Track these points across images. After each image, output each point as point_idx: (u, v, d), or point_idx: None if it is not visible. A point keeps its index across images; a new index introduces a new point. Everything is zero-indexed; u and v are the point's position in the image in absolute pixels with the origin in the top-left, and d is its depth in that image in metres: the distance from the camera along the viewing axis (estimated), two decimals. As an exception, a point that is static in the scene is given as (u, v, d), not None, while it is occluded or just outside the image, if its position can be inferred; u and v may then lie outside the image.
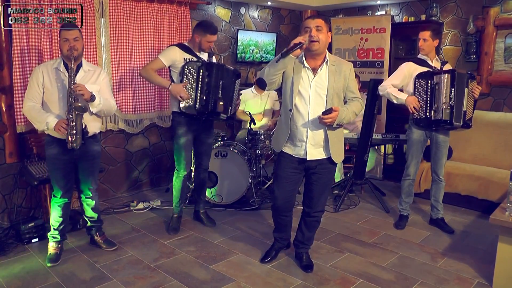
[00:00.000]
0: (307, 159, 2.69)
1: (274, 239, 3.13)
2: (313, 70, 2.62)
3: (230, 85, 3.49)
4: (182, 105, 3.39)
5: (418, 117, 3.53)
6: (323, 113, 2.53)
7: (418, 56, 3.66)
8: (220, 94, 3.40)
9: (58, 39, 2.95)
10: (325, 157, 2.71)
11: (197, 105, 3.37)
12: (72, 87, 2.85)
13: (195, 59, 3.46)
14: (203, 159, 3.78)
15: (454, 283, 2.87)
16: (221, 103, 3.40)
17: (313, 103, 2.61)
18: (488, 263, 3.07)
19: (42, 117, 2.87)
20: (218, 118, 3.57)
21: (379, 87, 3.74)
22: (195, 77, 3.37)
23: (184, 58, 3.45)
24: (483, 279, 2.92)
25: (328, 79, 2.62)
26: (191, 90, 3.39)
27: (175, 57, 3.46)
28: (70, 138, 2.87)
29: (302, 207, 3.02)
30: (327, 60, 2.63)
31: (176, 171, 3.65)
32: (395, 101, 3.62)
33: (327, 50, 2.65)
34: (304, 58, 2.61)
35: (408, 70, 3.59)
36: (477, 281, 2.90)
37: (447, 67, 3.59)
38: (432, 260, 3.21)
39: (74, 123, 2.87)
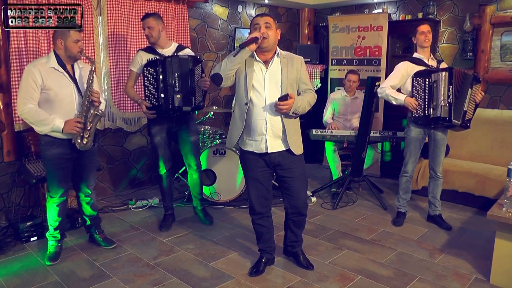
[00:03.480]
0: (269, 151, 2.68)
1: (260, 251, 3.01)
2: (265, 63, 2.66)
3: (188, 75, 3.36)
4: (148, 107, 3.37)
5: (417, 115, 3.54)
6: (280, 99, 2.56)
7: (414, 56, 3.67)
8: (177, 87, 3.32)
9: (61, 38, 2.87)
10: (284, 148, 2.71)
11: (161, 105, 3.32)
12: (90, 90, 2.89)
13: (158, 57, 3.38)
14: (190, 159, 3.70)
15: (452, 279, 2.89)
16: (178, 96, 3.32)
17: (268, 95, 2.64)
18: (486, 259, 3.09)
19: (47, 120, 2.82)
20: (184, 113, 3.45)
21: (378, 90, 3.75)
22: (154, 76, 3.32)
23: (147, 59, 3.39)
24: (480, 274, 2.94)
25: (281, 70, 2.66)
26: (153, 90, 3.34)
27: (140, 61, 3.46)
28: (81, 140, 2.90)
29: (285, 207, 2.95)
30: (278, 53, 2.68)
31: (158, 170, 3.65)
32: (394, 102, 3.63)
33: (277, 46, 2.70)
34: (255, 54, 2.64)
35: (406, 70, 3.60)
36: (475, 276, 2.92)
37: (443, 65, 3.61)
38: (430, 256, 3.23)
39: (91, 125, 2.91)
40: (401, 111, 4.81)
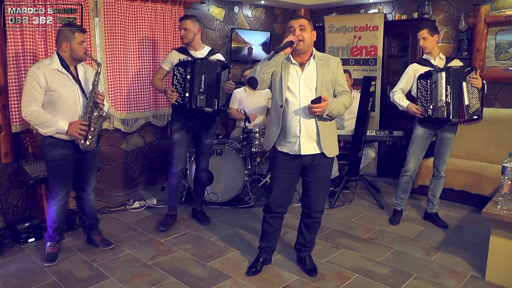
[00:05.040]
0: (302, 153, 2.67)
1: (259, 250, 3.01)
2: (301, 65, 2.66)
3: (214, 78, 3.45)
4: (173, 102, 3.44)
5: (422, 117, 3.56)
6: (312, 102, 2.54)
7: (423, 57, 3.70)
8: (202, 88, 3.39)
9: (66, 41, 2.87)
10: (319, 151, 2.70)
11: (186, 103, 3.40)
12: (95, 92, 2.92)
13: (190, 58, 3.47)
14: (200, 158, 3.79)
15: (448, 277, 2.91)
16: (201, 97, 3.38)
17: (303, 97, 2.63)
18: (481, 256, 3.12)
19: (51, 121, 2.84)
20: (205, 114, 3.50)
21: (389, 94, 3.78)
22: (183, 76, 3.40)
23: (179, 59, 3.48)
24: (476, 272, 2.96)
25: (316, 72, 2.65)
26: (180, 89, 3.42)
27: (172, 60, 3.54)
28: (84, 141, 2.92)
29: (299, 206, 2.99)
30: (315, 55, 2.67)
31: (169, 167, 3.67)
32: (400, 108, 3.67)
33: (314, 48, 2.69)
34: (291, 56, 2.64)
35: (413, 72, 3.64)
36: (471, 274, 2.95)
37: (456, 63, 3.59)
38: (427, 254, 3.25)
39: (95, 126, 2.94)
40: (397, 110, 4.84)
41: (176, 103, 3.43)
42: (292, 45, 2.52)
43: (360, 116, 4.22)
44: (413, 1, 5.27)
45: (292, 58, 2.64)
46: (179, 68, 3.42)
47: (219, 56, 3.66)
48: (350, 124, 4.73)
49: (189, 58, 3.47)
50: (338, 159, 4.73)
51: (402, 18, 5.24)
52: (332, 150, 2.73)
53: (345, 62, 5.50)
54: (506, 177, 2.77)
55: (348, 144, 4.48)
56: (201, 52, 3.59)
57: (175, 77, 3.43)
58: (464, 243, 3.43)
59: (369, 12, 5.58)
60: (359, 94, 4.42)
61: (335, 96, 2.73)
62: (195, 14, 5.08)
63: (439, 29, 5.03)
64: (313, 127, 2.66)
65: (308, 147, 2.68)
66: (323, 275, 2.93)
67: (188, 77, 3.39)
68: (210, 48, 3.68)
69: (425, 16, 5.02)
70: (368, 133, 4.38)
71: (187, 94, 3.40)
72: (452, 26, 4.97)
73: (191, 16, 3.57)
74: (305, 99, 2.62)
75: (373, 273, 2.96)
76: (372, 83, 4.19)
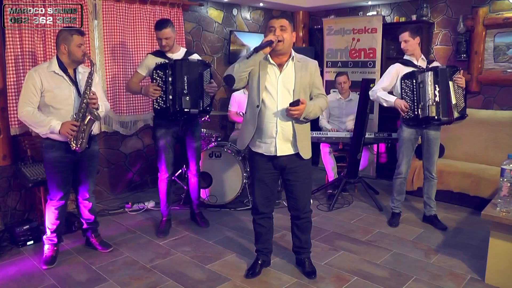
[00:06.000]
0: (278, 155, 2.68)
1: (256, 252, 3.02)
2: (279, 66, 2.65)
3: (197, 78, 3.40)
4: (155, 106, 3.38)
5: (408, 116, 3.58)
6: (291, 104, 2.55)
7: (404, 57, 3.72)
8: (185, 89, 3.35)
9: (64, 43, 2.89)
10: (293, 152, 2.71)
11: (169, 106, 3.35)
12: (88, 92, 2.91)
13: (167, 61, 3.41)
14: (190, 163, 3.75)
15: (447, 279, 2.90)
16: (186, 98, 3.34)
17: (280, 98, 2.63)
18: (480, 258, 3.12)
19: (44, 121, 2.86)
20: (191, 116, 3.47)
21: (370, 93, 3.80)
22: (163, 79, 3.35)
23: (156, 63, 3.40)
24: (475, 274, 2.96)
25: (295, 74, 2.65)
26: (162, 93, 3.36)
27: (148, 64, 3.47)
28: (76, 142, 2.92)
29: (288, 209, 2.97)
30: (293, 56, 2.67)
31: (159, 173, 3.64)
32: (385, 104, 3.68)
33: (292, 49, 2.69)
34: (269, 56, 2.64)
35: (396, 72, 3.66)
36: (470, 276, 2.94)
37: (435, 65, 3.64)
38: (426, 256, 3.25)
39: (84, 127, 2.93)
40: (396, 113, 4.85)
41: (159, 108, 3.38)
42: (271, 45, 2.52)
43: (359, 119, 4.22)
44: (411, 4, 5.28)
45: (270, 59, 2.64)
46: (158, 71, 3.35)
47: (196, 57, 3.60)
48: (347, 126, 4.73)
49: (167, 61, 3.40)
50: (337, 161, 4.73)
51: (400, 21, 5.25)
52: (307, 152, 2.76)
53: (343, 64, 5.52)
54: (505, 179, 2.77)
55: (347, 146, 4.48)
56: (178, 54, 3.53)
57: (155, 81, 3.35)
58: (463, 245, 3.42)
59: (367, 14, 5.59)
60: (358, 96, 4.42)
61: (311, 98, 2.75)
62: (195, 16, 5.10)
63: (437, 31, 5.07)
64: (290, 129, 2.67)
65: (284, 148, 2.69)
66: (322, 277, 2.93)
67: (170, 79, 3.33)
68: (186, 49, 3.63)
69: (424, 18, 5.03)
70: (367, 136, 4.38)
71: (170, 97, 3.34)
72: (451, 28, 4.98)
73: (166, 22, 3.41)
74: (283, 100, 2.62)
75: (372, 276, 2.95)
76: (371, 85, 4.19)
